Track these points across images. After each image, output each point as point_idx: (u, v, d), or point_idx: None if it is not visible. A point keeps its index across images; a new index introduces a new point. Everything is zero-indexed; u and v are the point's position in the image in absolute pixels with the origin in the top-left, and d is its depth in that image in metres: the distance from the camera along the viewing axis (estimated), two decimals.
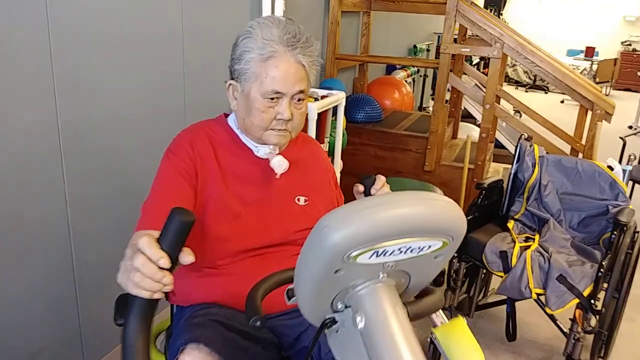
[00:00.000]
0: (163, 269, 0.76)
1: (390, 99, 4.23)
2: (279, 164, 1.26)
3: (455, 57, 3.75)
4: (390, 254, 0.70)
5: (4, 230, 1.54)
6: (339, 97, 2.73)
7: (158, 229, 0.79)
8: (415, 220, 0.68)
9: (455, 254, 2.32)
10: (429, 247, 0.71)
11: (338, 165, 2.92)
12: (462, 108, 4.47)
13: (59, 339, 1.79)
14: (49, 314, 1.74)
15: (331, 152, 2.91)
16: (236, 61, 1.22)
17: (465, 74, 4.19)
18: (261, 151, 1.27)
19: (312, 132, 2.46)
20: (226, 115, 1.35)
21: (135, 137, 1.94)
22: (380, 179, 1.20)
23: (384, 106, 4.14)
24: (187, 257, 0.79)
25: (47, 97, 1.60)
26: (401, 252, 0.70)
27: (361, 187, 1.20)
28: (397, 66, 4.90)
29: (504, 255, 2.16)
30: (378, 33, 4.51)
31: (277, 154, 1.27)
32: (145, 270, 0.75)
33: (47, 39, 1.56)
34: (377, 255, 0.69)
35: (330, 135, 2.91)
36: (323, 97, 2.71)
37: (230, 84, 1.26)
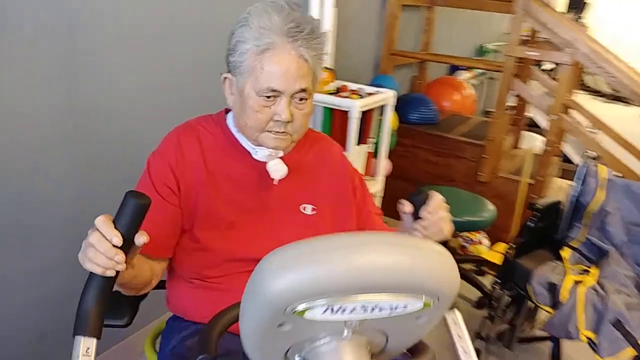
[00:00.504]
0: (117, 247, 0.78)
1: (449, 101, 3.97)
2: (276, 169, 1.10)
3: (523, 61, 3.45)
4: (351, 312, 0.53)
5: (16, 212, 1.51)
6: (387, 96, 2.55)
7: None
8: (385, 274, 0.51)
9: (498, 280, 2.09)
10: (405, 307, 0.54)
11: (382, 168, 2.74)
12: (529, 116, 4.14)
13: (69, 323, 1.74)
14: (59, 296, 1.69)
15: (376, 154, 2.73)
16: (231, 52, 1.06)
17: (535, 80, 3.85)
18: (259, 153, 1.12)
19: (353, 131, 2.30)
20: (227, 111, 1.21)
21: (151, 128, 1.85)
22: (436, 199, 0.97)
23: (442, 108, 3.89)
24: (140, 237, 0.81)
25: (65, 83, 1.53)
26: (366, 310, 0.53)
27: (408, 207, 0.98)
28: (462, 67, 4.61)
29: (552, 288, 1.91)
30: (442, 30, 4.24)
31: (276, 157, 1.12)
32: (99, 246, 0.78)
33: (66, 24, 1.49)
34: (332, 312, 0.53)
35: (377, 135, 2.73)
36: (370, 94, 2.53)
37: (225, 77, 1.12)
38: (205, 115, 1.20)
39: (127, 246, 0.80)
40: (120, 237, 0.78)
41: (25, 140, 1.48)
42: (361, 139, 2.55)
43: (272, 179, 1.11)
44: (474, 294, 2.71)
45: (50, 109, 1.52)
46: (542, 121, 4.40)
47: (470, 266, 3.01)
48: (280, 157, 1.13)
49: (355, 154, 2.49)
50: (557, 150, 3.32)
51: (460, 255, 3.08)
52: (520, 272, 2.00)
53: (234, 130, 1.15)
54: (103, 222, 0.79)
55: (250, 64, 1.03)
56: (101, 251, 0.78)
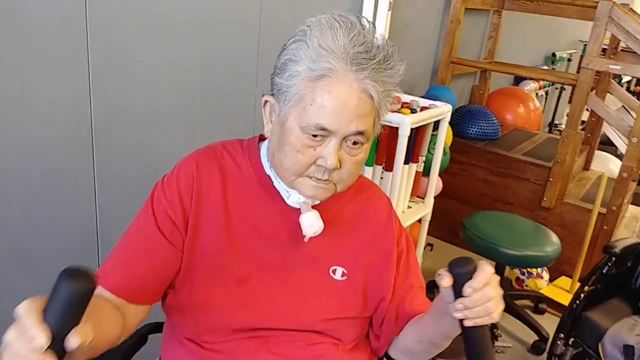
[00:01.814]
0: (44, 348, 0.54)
1: (512, 114, 3.65)
2: (310, 224, 0.88)
3: (600, 73, 3.09)
4: None
5: (21, 230, 1.35)
6: (442, 111, 2.28)
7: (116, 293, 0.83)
8: None
9: (561, 335, 1.80)
10: None
11: (433, 188, 2.48)
12: (602, 132, 3.74)
13: None
14: None
15: (427, 172, 2.47)
16: (279, 71, 0.84)
17: (610, 93, 3.47)
18: (292, 198, 0.90)
19: (401, 150, 2.05)
20: (262, 139, 0.98)
21: (179, 136, 1.66)
22: (485, 272, 0.75)
23: (504, 122, 3.58)
24: (71, 339, 0.55)
25: (81, 80, 1.36)
26: None
27: (447, 280, 0.76)
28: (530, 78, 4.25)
29: (629, 352, 1.61)
30: (510, 36, 3.91)
31: (311, 208, 0.90)
32: (18, 347, 0.54)
33: (84, 16, 1.32)
34: None
35: (429, 152, 2.46)
36: (424, 108, 2.27)
37: (267, 101, 0.89)
38: (234, 140, 0.99)
39: (61, 345, 0.55)
40: (48, 336, 0.54)
41: (33, 140, 1.31)
42: (411, 157, 2.30)
43: (304, 235, 0.89)
44: (530, 336, 2.41)
45: (61, 108, 1.35)
46: (617, 139, 3.98)
47: (526, 303, 2.70)
48: (315, 206, 0.91)
49: (403, 174, 2.24)
50: (635, 175, 2.95)
51: (516, 290, 2.77)
52: (590, 329, 1.71)
53: (266, 164, 0.93)
54: (26, 313, 0.54)
55: (299, 90, 0.81)
56: (20, 354, 0.54)
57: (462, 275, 0.75)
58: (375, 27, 0.83)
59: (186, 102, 1.66)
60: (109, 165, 1.50)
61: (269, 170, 0.92)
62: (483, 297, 0.74)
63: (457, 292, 0.76)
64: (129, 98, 1.50)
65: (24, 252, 1.38)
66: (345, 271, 0.95)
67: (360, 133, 0.81)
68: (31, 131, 1.30)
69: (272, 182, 0.92)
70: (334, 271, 0.95)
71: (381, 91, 0.81)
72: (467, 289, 0.74)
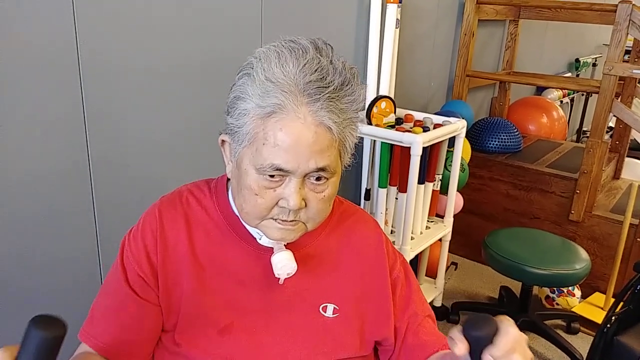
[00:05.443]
0: None
1: (535, 124, 3.53)
2: (282, 266, 0.82)
3: (626, 78, 2.96)
4: None
5: (27, 270, 1.34)
6: (456, 127, 2.21)
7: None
8: None
9: None
10: None
11: (452, 206, 2.39)
12: (631, 139, 3.58)
13: None
14: None
15: (444, 190, 2.39)
16: (229, 110, 0.79)
17: (638, 97, 3.32)
18: (265, 238, 0.85)
19: (414, 170, 1.99)
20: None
21: (180, 166, 1.64)
22: (508, 335, 0.62)
23: (527, 132, 3.47)
24: None
25: (76, 112, 1.35)
26: None
27: (462, 347, 0.63)
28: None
29: None
30: (530, 44, 3.81)
31: (285, 247, 0.85)
32: None
33: (74, 47, 1.31)
34: None
35: (446, 169, 2.39)
36: (437, 125, 2.20)
37: (223, 140, 0.84)
38: (201, 181, 0.94)
39: None
40: None
41: (28, 176, 1.30)
42: (426, 176, 2.23)
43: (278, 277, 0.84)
44: (562, 358, 2.28)
45: (57, 141, 1.33)
46: None
47: (558, 322, 2.56)
48: (294, 242, 0.85)
49: (418, 194, 2.17)
50: None
51: (546, 310, 2.64)
52: (622, 355, 1.59)
53: (235, 205, 0.88)
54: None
55: (250, 130, 0.75)
56: None
57: (480, 339, 0.63)
58: (332, 48, 0.77)
59: (187, 131, 1.64)
60: (110, 198, 1.48)
61: (238, 213, 0.87)
62: None
63: (476, 359, 0.64)
64: (127, 129, 1.48)
65: (21, 294, 1.36)
66: (337, 307, 0.89)
67: (322, 169, 0.75)
68: (26, 167, 1.29)
69: (243, 223, 0.87)
70: (324, 308, 0.89)
71: (341, 121, 0.74)
72: (487, 357, 0.62)
